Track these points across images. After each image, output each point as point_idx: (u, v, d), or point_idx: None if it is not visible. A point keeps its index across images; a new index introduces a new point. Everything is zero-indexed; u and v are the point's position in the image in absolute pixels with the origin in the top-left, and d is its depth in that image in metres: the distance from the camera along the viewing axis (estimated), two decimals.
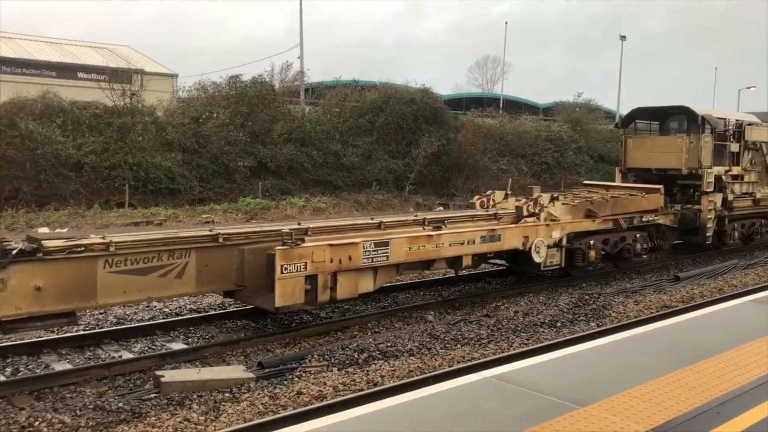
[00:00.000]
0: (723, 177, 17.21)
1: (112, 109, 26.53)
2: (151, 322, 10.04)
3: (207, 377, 7.83)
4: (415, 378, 7.90)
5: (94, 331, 9.75)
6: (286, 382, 7.90)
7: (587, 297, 12.50)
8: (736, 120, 18.46)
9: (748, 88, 61.20)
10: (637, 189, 15.79)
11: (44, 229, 19.73)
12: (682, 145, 16.51)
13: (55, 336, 9.49)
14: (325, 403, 7.10)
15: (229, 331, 10.19)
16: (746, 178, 18.35)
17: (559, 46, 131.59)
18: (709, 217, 16.64)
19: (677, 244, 19.18)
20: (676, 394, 5.36)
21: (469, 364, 8.43)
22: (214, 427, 6.62)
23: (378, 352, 8.98)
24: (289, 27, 79.92)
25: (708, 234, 16.73)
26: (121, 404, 7.10)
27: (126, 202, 24.32)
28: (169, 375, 7.84)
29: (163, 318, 10.40)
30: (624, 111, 55.92)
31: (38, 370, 8.27)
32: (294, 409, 7.00)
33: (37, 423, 6.56)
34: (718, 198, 16.96)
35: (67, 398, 7.50)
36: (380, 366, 8.46)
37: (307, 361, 8.62)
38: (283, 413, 6.85)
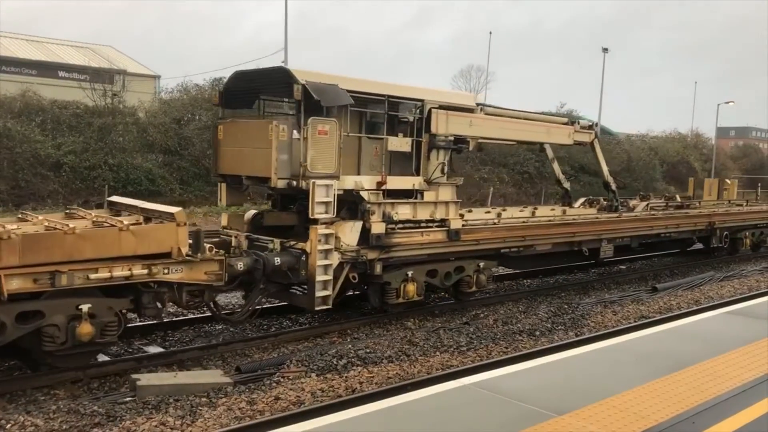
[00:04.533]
0: (365, 194, 10.27)
1: (93, 109, 26.32)
2: (129, 325, 9.90)
3: (184, 381, 7.76)
4: (394, 385, 7.89)
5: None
6: (263, 387, 7.85)
7: (566, 306, 12.58)
8: (410, 98, 10.98)
9: (727, 102, 62.13)
10: (149, 212, 8.85)
11: None
12: (273, 136, 9.32)
13: None
14: (302, 408, 7.07)
15: (207, 335, 10.11)
16: (429, 196, 11.12)
17: (558, 57, 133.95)
18: (324, 263, 9.60)
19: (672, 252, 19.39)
20: (653, 403, 5.40)
21: (449, 371, 8.44)
22: (191, 431, 6.56)
23: (357, 359, 8.96)
24: (296, 30, 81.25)
25: (322, 293, 9.60)
26: (95, 407, 7.01)
27: (105, 204, 24.07)
28: (145, 378, 7.76)
29: (141, 321, 10.29)
30: (606, 123, 56.60)
31: (12, 372, 8.14)
32: (271, 414, 6.96)
33: (9, 426, 6.45)
34: (348, 230, 10.03)
35: (40, 401, 7.38)
36: (359, 372, 8.44)
37: (285, 366, 8.57)
38: (260, 418, 6.81)
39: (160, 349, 9.27)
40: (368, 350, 9.28)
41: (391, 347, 9.50)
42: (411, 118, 11.09)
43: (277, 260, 9.38)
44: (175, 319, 10.59)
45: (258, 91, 10.86)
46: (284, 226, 10.39)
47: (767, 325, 8.32)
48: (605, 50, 53.14)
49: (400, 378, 8.33)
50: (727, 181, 24.13)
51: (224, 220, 10.91)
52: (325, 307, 9.72)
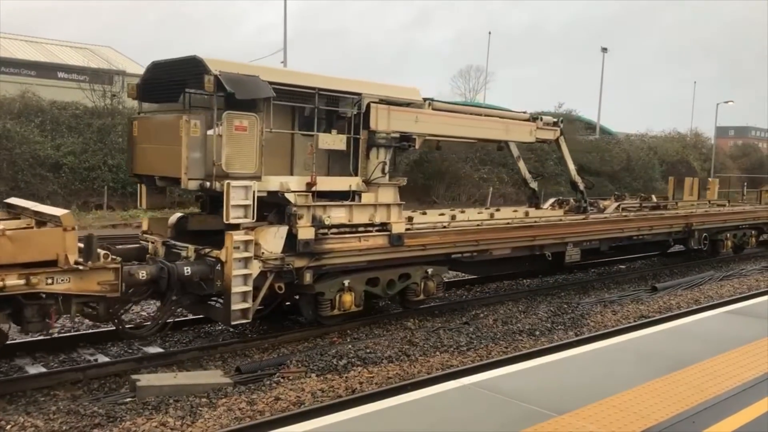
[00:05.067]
0: (292, 196, 9.34)
1: (92, 110, 26.34)
2: (128, 326, 9.90)
3: (184, 382, 7.76)
4: (394, 385, 7.89)
5: (70, 334, 9.61)
6: (263, 388, 7.85)
7: (566, 306, 12.59)
8: (345, 92, 10.06)
9: (726, 102, 62.16)
10: (42, 215, 8.14)
11: None
12: (183, 132, 8.49)
13: (29, 339, 9.35)
14: (303, 409, 7.07)
15: (207, 335, 10.11)
16: (368, 198, 10.22)
17: (559, 57, 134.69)
18: (242, 272, 8.67)
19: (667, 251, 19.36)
20: (652, 403, 5.40)
21: (448, 371, 8.44)
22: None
23: (357, 359, 8.96)
24: (296, 30, 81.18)
25: (240, 305, 8.67)
26: (95, 408, 7.02)
27: (105, 204, 24.10)
28: (145, 379, 7.76)
29: (141, 321, 10.29)
30: (605, 123, 56.61)
31: (11, 374, 8.15)
32: (271, 414, 6.96)
33: (9, 427, 6.45)
34: (271, 236, 9.08)
35: (40, 402, 7.38)
36: (359, 372, 8.45)
37: (285, 366, 8.57)
38: (260, 419, 6.81)
39: (159, 350, 9.27)
40: (368, 350, 9.29)
41: (391, 347, 9.50)
42: (349, 114, 10.16)
43: (187, 270, 8.49)
44: (175, 319, 10.58)
45: (181, 83, 9.69)
46: (211, 230, 9.42)
47: (767, 325, 8.33)
48: (604, 50, 53.26)
49: (400, 378, 8.33)
50: (710, 180, 23.41)
51: (144, 224, 10.16)
52: (244, 321, 8.86)
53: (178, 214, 10.03)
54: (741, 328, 8.15)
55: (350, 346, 9.52)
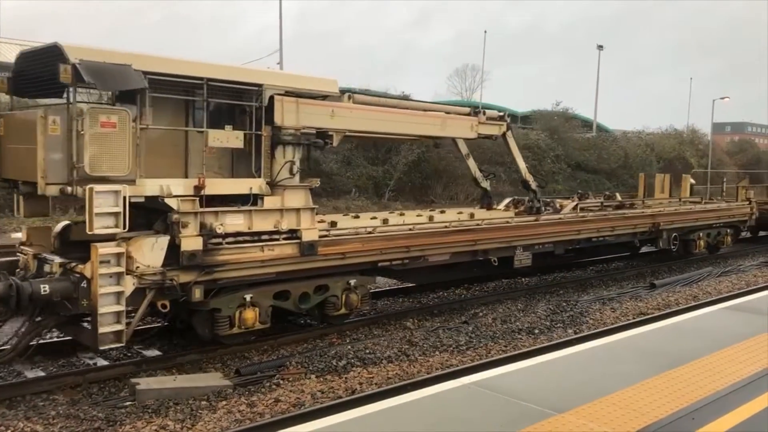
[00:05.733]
0: (174, 201, 8.16)
1: None
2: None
3: (183, 385, 7.76)
4: (394, 385, 7.89)
5: (69, 338, 9.57)
6: (263, 390, 7.86)
7: (564, 304, 12.60)
8: (241, 83, 8.80)
9: (722, 98, 62.12)
10: None
11: (19, 234, 19.43)
12: (39, 130, 7.53)
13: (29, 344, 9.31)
14: (303, 410, 7.07)
15: None
16: (273, 202, 9.05)
17: (559, 56, 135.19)
18: (112, 290, 7.59)
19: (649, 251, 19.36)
20: (652, 400, 5.41)
21: (448, 371, 8.45)
22: None
23: (356, 359, 8.97)
24: (296, 30, 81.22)
25: (112, 327, 7.56)
26: (95, 412, 7.02)
27: None
28: (144, 382, 7.75)
29: (140, 324, 10.26)
30: (604, 120, 56.61)
31: (10, 378, 8.13)
32: (271, 416, 6.96)
33: None
34: (147, 247, 7.97)
35: (39, 406, 7.36)
36: (359, 373, 8.45)
37: (285, 368, 8.57)
38: (260, 421, 6.81)
39: (159, 353, 9.26)
40: (367, 351, 9.30)
41: (390, 347, 9.51)
42: (249, 108, 9.02)
43: (45, 288, 7.46)
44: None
45: (53, 75, 7.96)
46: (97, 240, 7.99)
47: (766, 321, 8.34)
48: (600, 47, 53.33)
49: (399, 378, 8.34)
50: (684, 176, 22.47)
51: (24, 234, 9.09)
52: (117, 345, 7.72)
53: (64, 223, 9.16)
54: (740, 324, 8.17)
55: (349, 346, 9.52)
